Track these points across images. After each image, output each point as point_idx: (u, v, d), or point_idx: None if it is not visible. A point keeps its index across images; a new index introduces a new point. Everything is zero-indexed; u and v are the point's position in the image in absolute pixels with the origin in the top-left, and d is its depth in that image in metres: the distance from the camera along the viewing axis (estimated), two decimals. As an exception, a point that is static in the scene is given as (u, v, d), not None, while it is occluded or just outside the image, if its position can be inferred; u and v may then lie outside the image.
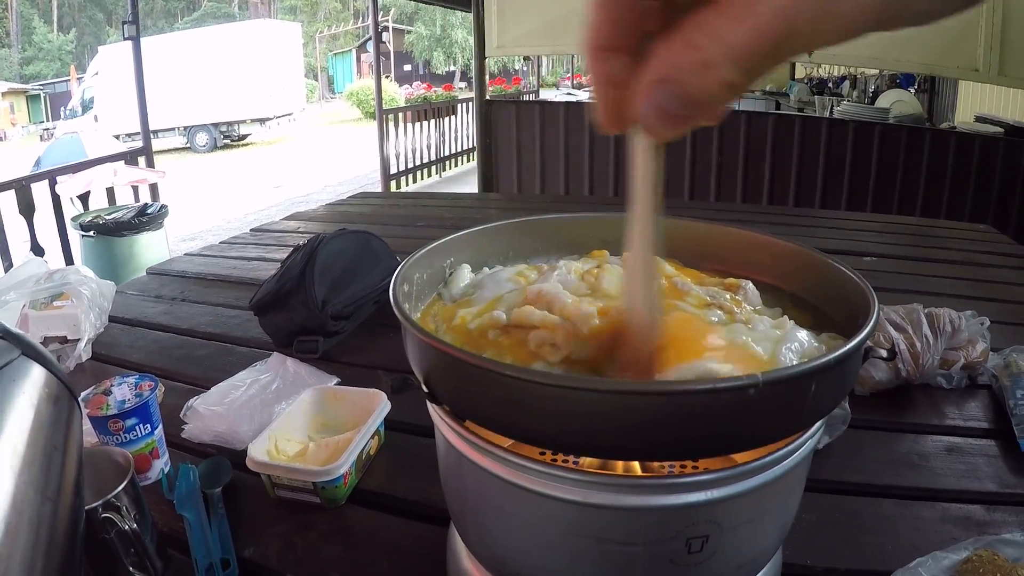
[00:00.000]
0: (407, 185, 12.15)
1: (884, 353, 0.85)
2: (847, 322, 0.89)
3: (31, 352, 0.78)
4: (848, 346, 0.69)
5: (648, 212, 0.61)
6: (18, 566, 0.61)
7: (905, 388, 1.79)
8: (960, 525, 1.30)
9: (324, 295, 2.06)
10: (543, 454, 0.93)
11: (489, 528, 0.89)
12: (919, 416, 1.71)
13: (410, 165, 12.28)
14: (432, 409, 0.88)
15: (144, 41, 6.56)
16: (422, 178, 12.84)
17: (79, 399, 1.33)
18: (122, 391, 1.47)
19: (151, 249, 5.72)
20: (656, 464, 0.92)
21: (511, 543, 0.87)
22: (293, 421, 1.52)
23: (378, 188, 11.39)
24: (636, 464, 0.90)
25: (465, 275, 1.07)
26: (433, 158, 13.19)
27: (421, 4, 19.25)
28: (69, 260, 5.70)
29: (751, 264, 1.08)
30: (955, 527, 1.30)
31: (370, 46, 11.08)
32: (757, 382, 0.62)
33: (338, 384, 1.79)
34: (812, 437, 0.82)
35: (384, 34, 35.00)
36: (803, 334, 0.85)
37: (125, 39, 6.27)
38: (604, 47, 0.47)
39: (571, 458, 0.99)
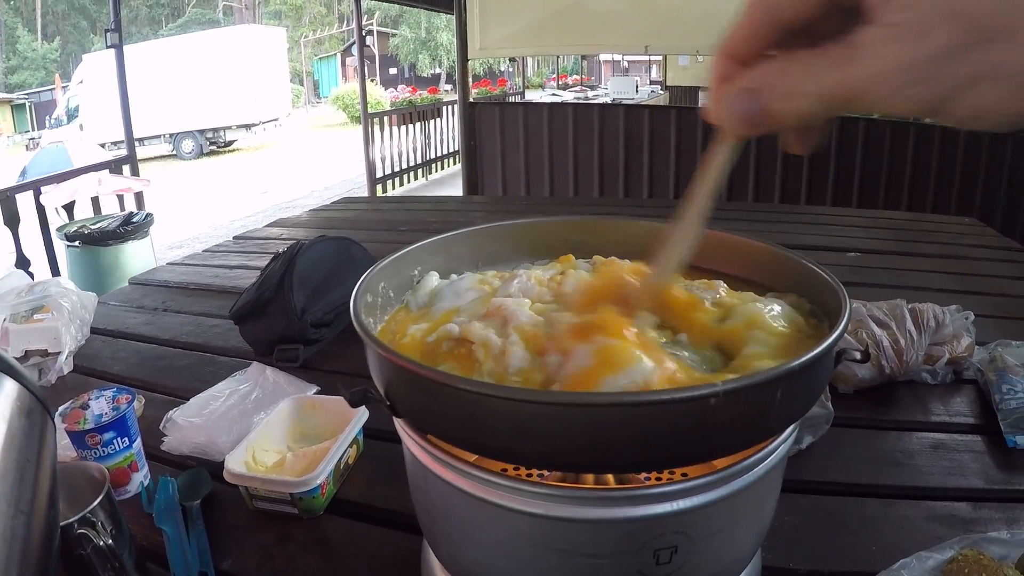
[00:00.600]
0: (394, 189, 12.16)
1: (858, 355, 0.84)
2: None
3: (2, 366, 0.77)
4: (816, 350, 0.68)
5: (704, 193, 0.70)
6: (-10, 581, 0.60)
7: (889, 385, 1.79)
8: (946, 524, 1.29)
9: (303, 303, 2.05)
10: (516, 469, 0.92)
11: (456, 540, 0.88)
12: (904, 413, 1.70)
13: (396, 168, 12.29)
14: (396, 422, 0.87)
15: (128, 48, 6.54)
16: (408, 181, 12.86)
17: (56, 414, 1.34)
18: (99, 405, 1.46)
19: (137, 258, 5.71)
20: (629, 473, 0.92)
21: (478, 556, 0.86)
22: (271, 431, 1.51)
23: (364, 192, 11.39)
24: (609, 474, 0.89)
25: (432, 283, 1.06)
26: (419, 161, 13.22)
27: (406, 7, 19.27)
28: (55, 271, 5.68)
29: (728, 264, 1.08)
30: (941, 526, 1.29)
31: (355, 50, 11.06)
32: (717, 391, 0.61)
33: (317, 393, 1.78)
34: (784, 442, 0.81)
35: (368, 38, 35.03)
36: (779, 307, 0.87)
37: (108, 47, 6.24)
38: (729, 53, 0.55)
39: (535, 471, 0.98)
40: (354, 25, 11.11)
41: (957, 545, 1.13)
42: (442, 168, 14.24)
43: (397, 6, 30.87)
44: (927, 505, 1.36)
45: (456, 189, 10.24)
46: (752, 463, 0.77)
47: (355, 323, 0.81)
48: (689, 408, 0.63)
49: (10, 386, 0.77)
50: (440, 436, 0.78)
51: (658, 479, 0.97)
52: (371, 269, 0.97)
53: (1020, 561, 1.10)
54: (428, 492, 0.88)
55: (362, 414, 1.52)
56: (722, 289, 0.95)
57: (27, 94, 35.53)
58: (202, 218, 12.44)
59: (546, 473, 0.94)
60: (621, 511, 0.74)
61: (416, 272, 1.09)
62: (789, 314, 0.87)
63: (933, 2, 0.43)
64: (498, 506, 0.77)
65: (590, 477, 0.89)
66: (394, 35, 43.66)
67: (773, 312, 0.85)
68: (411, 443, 0.85)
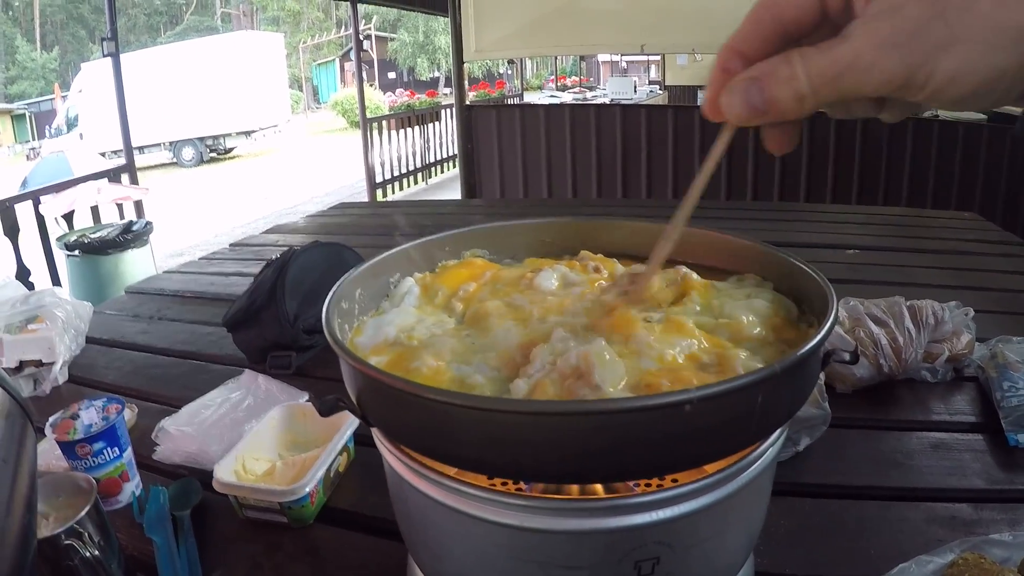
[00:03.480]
0: (394, 193, 12.18)
1: (847, 356, 0.83)
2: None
3: (-19, 371, 0.76)
4: (798, 354, 0.67)
5: (703, 175, 0.72)
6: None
7: (888, 384, 1.78)
8: (946, 526, 1.28)
9: (296, 309, 2.05)
10: (492, 480, 0.90)
11: (435, 552, 0.87)
12: (903, 412, 1.69)
13: (396, 173, 12.34)
14: (373, 431, 0.86)
15: (127, 56, 6.57)
16: (408, 185, 12.88)
17: (47, 424, 1.33)
18: (89, 415, 1.45)
19: (137, 266, 5.72)
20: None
21: (456, 567, 0.85)
22: (261, 440, 1.51)
23: (365, 197, 11.41)
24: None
25: (406, 287, 1.05)
26: (419, 165, 13.27)
27: (404, 11, 19.33)
28: (55, 280, 5.70)
29: (714, 260, 1.09)
30: (941, 528, 1.28)
31: (353, 55, 11.10)
32: (691, 398, 0.60)
33: (308, 400, 1.77)
34: (771, 447, 0.80)
35: (367, 42, 35.15)
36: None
37: (105, 55, 6.25)
38: (735, 49, 0.61)
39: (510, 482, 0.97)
40: (351, 30, 11.13)
41: (958, 548, 1.12)
42: (442, 172, 14.28)
43: (395, 10, 30.99)
44: (927, 506, 1.35)
45: (456, 192, 10.24)
46: (736, 470, 0.76)
47: (326, 331, 0.80)
48: (664, 415, 0.62)
49: (-11, 390, 0.77)
50: (410, 446, 0.77)
51: (647, 486, 0.96)
52: (345, 276, 0.97)
53: (1022, 564, 1.09)
54: (406, 502, 0.87)
55: (352, 421, 1.51)
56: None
57: (27, 104, 35.65)
58: (203, 225, 12.46)
59: (524, 485, 0.93)
60: (599, 522, 0.73)
61: (393, 279, 1.08)
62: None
63: None
64: (473, 517, 0.76)
65: (575, 488, 0.88)
66: (392, 39, 43.74)
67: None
68: (387, 453, 0.85)
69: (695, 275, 0.98)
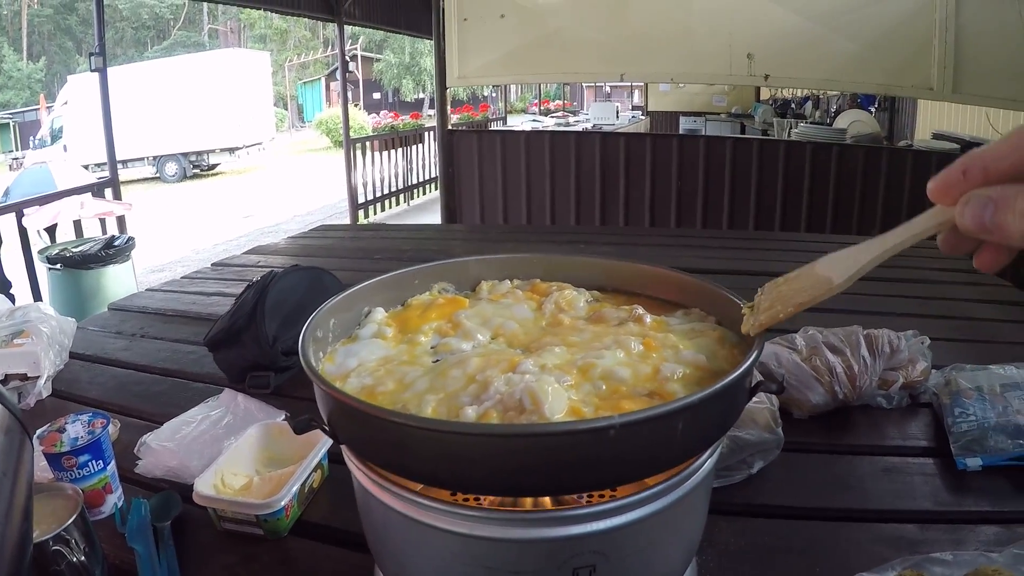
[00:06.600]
0: (376, 214, 12.19)
1: (774, 387, 0.89)
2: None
3: (-17, 387, 0.81)
4: (716, 386, 0.74)
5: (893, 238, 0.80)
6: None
7: (844, 410, 1.83)
8: (892, 545, 1.33)
9: (275, 331, 2.10)
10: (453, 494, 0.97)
11: (396, 558, 0.94)
12: (857, 437, 1.75)
13: (378, 194, 12.35)
14: (342, 448, 0.93)
15: (113, 70, 6.58)
16: (390, 207, 12.89)
17: (34, 435, 1.37)
18: (75, 428, 1.50)
19: (118, 282, 5.72)
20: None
21: (415, 573, 0.91)
22: (240, 456, 1.57)
23: (347, 217, 11.40)
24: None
25: (378, 317, 1.12)
26: (401, 186, 13.27)
27: (389, 33, 19.29)
28: (36, 294, 5.70)
29: (668, 295, 1.17)
30: (887, 548, 1.32)
31: (339, 75, 11.09)
32: (615, 423, 0.67)
33: (286, 419, 1.82)
34: (702, 467, 0.87)
35: (352, 63, 34.99)
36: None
37: (92, 70, 6.27)
38: (983, 159, 0.63)
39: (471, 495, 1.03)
40: (338, 50, 11.14)
41: (899, 566, 1.16)
42: (424, 194, 14.29)
43: (382, 31, 30.96)
44: (875, 527, 1.40)
45: (438, 215, 10.27)
46: (667, 487, 0.83)
47: (301, 358, 0.87)
48: (589, 438, 0.69)
49: (-11, 406, 0.82)
50: (375, 463, 0.84)
51: (586, 499, 1.03)
52: (320, 308, 1.04)
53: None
54: (371, 514, 0.94)
55: (326, 440, 1.56)
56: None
57: (11, 114, 35.26)
58: (185, 242, 12.42)
59: (482, 498, 0.99)
60: (540, 532, 0.80)
61: (365, 311, 1.15)
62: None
63: None
64: (429, 526, 0.83)
65: (528, 500, 0.94)
66: (378, 60, 43.54)
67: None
68: (354, 469, 0.92)
69: (648, 315, 1.06)
